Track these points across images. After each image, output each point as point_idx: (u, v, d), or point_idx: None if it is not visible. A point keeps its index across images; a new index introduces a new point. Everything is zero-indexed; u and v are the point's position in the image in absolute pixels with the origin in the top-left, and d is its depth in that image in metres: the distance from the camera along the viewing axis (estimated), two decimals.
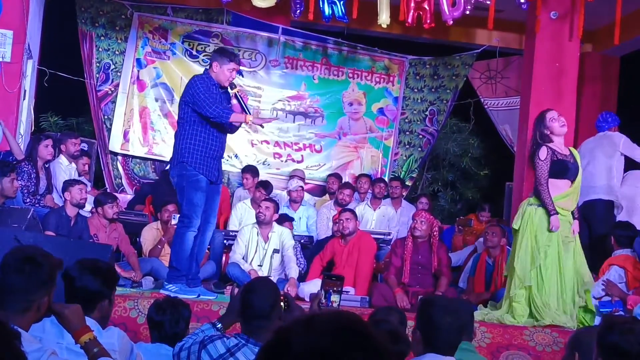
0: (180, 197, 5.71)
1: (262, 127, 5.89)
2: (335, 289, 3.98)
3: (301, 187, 8.20)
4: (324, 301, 3.92)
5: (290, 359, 1.24)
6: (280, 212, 8.01)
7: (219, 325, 3.25)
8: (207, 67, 5.84)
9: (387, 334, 2.92)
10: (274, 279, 5.98)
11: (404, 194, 9.37)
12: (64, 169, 7.42)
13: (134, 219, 7.52)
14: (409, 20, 7.26)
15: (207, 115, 5.53)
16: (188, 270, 5.72)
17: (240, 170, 9.42)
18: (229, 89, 5.72)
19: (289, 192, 8.25)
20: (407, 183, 9.86)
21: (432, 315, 2.95)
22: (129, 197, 8.81)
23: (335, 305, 3.87)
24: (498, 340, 5.27)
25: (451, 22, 7.34)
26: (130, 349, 2.99)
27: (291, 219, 7.77)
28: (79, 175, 7.59)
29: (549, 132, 5.68)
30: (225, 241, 7.21)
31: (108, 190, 8.97)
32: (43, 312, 2.50)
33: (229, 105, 5.69)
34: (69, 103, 10.22)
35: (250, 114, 5.76)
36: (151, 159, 9.58)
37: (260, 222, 6.77)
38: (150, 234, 7.07)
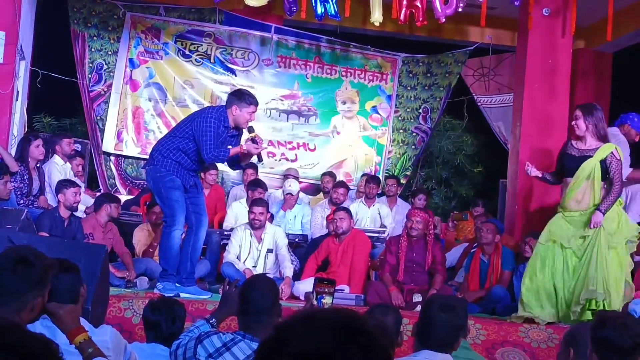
0: (160, 200, 5.72)
1: (261, 161, 5.92)
2: (327, 291, 4.00)
3: (297, 191, 8.16)
4: (315, 303, 3.94)
5: (288, 356, 1.23)
6: (274, 211, 8.00)
7: (212, 320, 3.27)
8: (225, 105, 5.78)
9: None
10: None
11: (399, 191, 9.37)
12: (59, 168, 7.40)
13: (128, 220, 7.53)
14: (402, 18, 7.26)
15: (203, 157, 5.57)
16: (183, 269, 5.73)
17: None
18: (247, 132, 5.72)
19: (286, 194, 8.14)
20: (401, 181, 9.87)
21: (427, 311, 2.96)
22: (123, 197, 8.79)
23: (327, 307, 3.88)
24: (493, 337, 5.26)
25: (444, 19, 7.35)
26: (124, 347, 2.98)
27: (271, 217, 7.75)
28: (74, 175, 7.57)
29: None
30: (222, 241, 7.21)
31: (102, 191, 8.95)
32: (37, 312, 2.49)
33: (229, 147, 5.68)
34: (62, 104, 10.18)
35: (261, 161, 5.80)
36: (144, 159, 9.54)
37: (255, 228, 6.75)
38: (141, 235, 7.10)
